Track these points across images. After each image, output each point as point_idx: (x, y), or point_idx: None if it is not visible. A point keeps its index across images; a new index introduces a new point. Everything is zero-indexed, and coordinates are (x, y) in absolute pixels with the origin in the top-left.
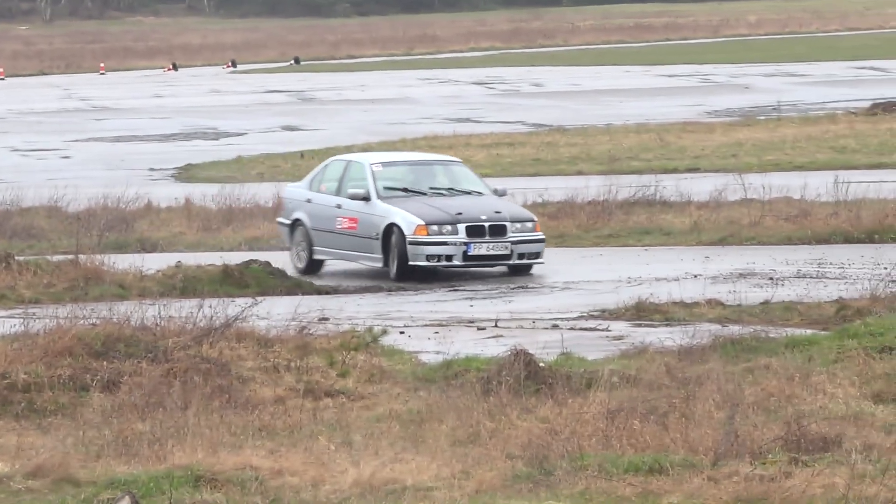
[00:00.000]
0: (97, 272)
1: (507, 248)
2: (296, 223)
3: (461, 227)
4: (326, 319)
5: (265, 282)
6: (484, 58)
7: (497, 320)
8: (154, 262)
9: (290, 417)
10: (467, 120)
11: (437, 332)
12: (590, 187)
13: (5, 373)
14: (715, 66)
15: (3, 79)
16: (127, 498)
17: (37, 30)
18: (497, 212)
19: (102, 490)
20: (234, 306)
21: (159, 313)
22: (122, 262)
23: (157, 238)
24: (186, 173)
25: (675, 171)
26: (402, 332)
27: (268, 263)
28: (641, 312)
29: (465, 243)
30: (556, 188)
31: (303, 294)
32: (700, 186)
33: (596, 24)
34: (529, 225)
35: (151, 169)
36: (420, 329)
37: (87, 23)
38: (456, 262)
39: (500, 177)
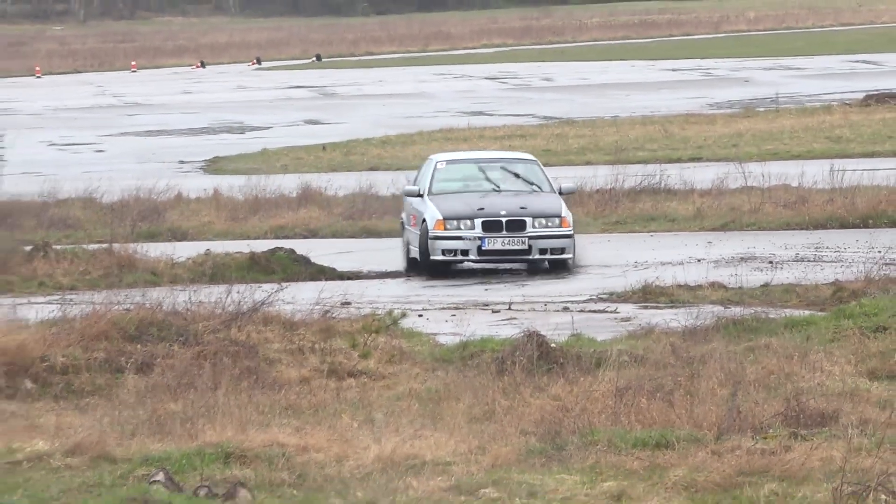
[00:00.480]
0: (131, 260)
1: (524, 243)
2: (402, 222)
3: (478, 222)
4: (349, 303)
5: (290, 268)
6: (496, 54)
7: (511, 304)
8: (184, 251)
9: (314, 397)
10: (481, 113)
11: (453, 315)
12: (598, 176)
13: (44, 356)
14: (716, 60)
15: (39, 77)
16: (161, 474)
17: (71, 30)
18: (522, 207)
19: (137, 466)
20: (261, 292)
21: (190, 299)
22: (154, 250)
23: (187, 227)
24: (214, 165)
25: (678, 160)
26: (420, 315)
27: (292, 251)
28: (648, 295)
29: (480, 238)
30: (566, 177)
31: (326, 280)
32: (703, 175)
33: (602, 21)
34: (555, 221)
35: (181, 161)
36: (437, 312)
37: (118, 23)
38: (472, 257)
39: None
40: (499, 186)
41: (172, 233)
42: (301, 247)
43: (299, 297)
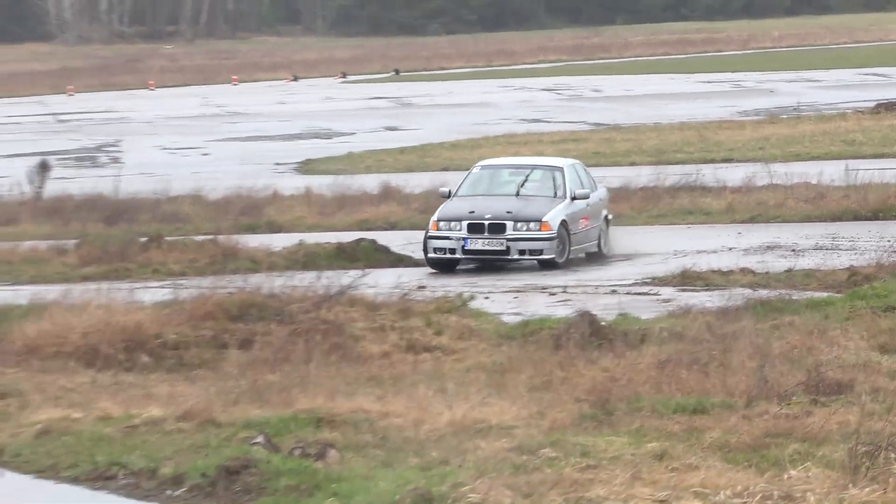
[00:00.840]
0: (233, 250)
1: (502, 244)
2: None
3: (464, 224)
4: (424, 287)
5: (372, 256)
6: (552, 68)
7: (565, 287)
8: (280, 241)
9: (394, 369)
10: (538, 120)
11: (516, 297)
12: (641, 176)
13: (158, 334)
14: (745, 73)
15: (153, 90)
16: (261, 436)
17: (180, 49)
18: (508, 212)
19: (240, 430)
20: (347, 277)
21: (285, 283)
22: (254, 241)
23: (282, 221)
24: (306, 167)
25: (712, 161)
26: (486, 298)
27: (374, 241)
28: (686, 279)
29: (464, 239)
30: (613, 177)
31: (404, 266)
32: (733, 174)
33: (645, 40)
34: (535, 225)
35: (277, 163)
36: (501, 295)
37: (221, 42)
38: (458, 256)
39: None
40: (517, 191)
41: (269, 226)
42: (382, 238)
43: (381, 282)
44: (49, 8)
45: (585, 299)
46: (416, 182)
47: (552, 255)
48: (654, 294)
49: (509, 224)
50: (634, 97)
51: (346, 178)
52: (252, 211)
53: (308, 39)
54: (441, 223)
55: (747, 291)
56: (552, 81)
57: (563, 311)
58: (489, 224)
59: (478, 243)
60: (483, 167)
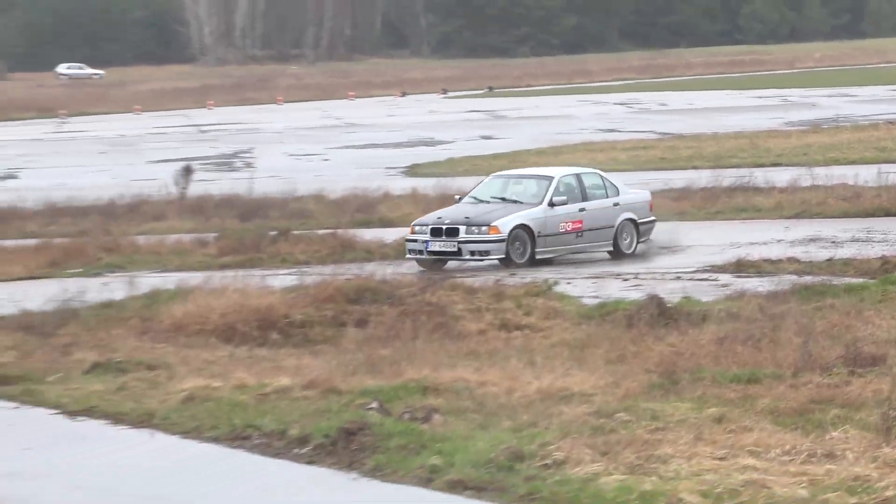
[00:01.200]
0: (350, 242)
1: (455, 246)
2: None
3: (428, 228)
4: (514, 274)
5: None
6: (624, 85)
7: (637, 274)
8: (391, 235)
9: (489, 345)
10: (612, 130)
11: (594, 283)
12: (701, 178)
13: (286, 314)
14: (790, 90)
15: (281, 104)
16: (375, 403)
17: (304, 69)
18: (466, 217)
19: (357, 397)
20: (448, 266)
21: (395, 271)
22: (368, 234)
23: (392, 217)
24: (413, 170)
25: (762, 165)
26: (568, 283)
27: None
28: (740, 267)
29: (426, 241)
30: (678, 179)
31: None
32: (781, 176)
33: (704, 60)
34: (484, 229)
35: (387, 168)
36: (582, 280)
37: (339, 63)
38: (424, 256)
39: (638, 171)
40: (499, 198)
41: (381, 221)
42: None
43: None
44: (192, 35)
45: (654, 284)
46: None
47: (500, 256)
48: (713, 280)
49: (462, 228)
50: (695, 110)
51: (448, 179)
52: (366, 208)
53: (414, 61)
54: (416, 227)
55: (794, 277)
56: (624, 97)
57: (635, 295)
58: (446, 228)
59: (436, 245)
60: (494, 176)
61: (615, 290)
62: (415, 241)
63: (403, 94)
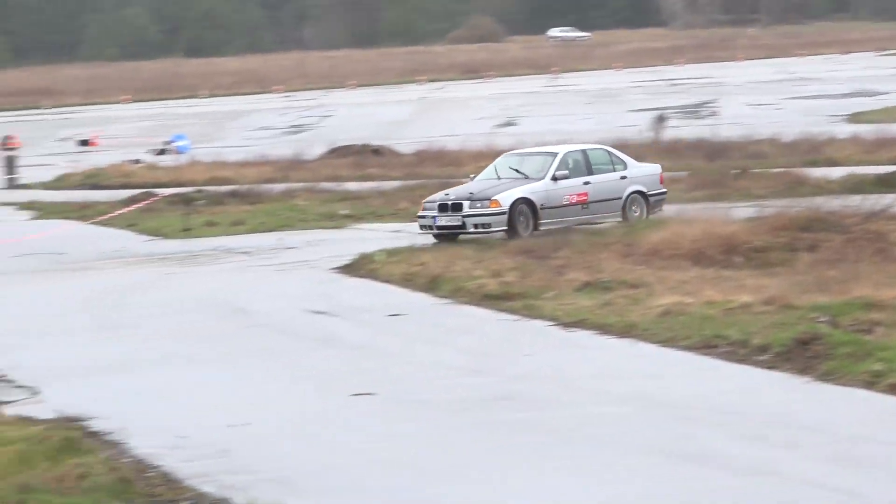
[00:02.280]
0: (800, 179)
1: (459, 220)
2: None
3: (436, 205)
4: None
5: None
6: None
7: None
8: (835, 173)
9: None
10: None
11: None
12: None
13: (747, 241)
14: None
15: (740, 62)
16: (825, 317)
17: (759, 31)
18: (471, 193)
19: (809, 312)
20: (887, 200)
21: (840, 204)
22: (816, 173)
23: (837, 157)
24: (854, 118)
25: None
26: None
27: None
28: None
29: (434, 216)
30: None
31: None
32: None
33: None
34: (486, 203)
35: (832, 115)
36: None
37: (790, 26)
38: (434, 231)
39: None
40: (510, 174)
41: (827, 161)
42: None
43: None
44: (664, 3)
45: None
46: None
47: (502, 228)
48: None
49: (466, 203)
50: None
51: (885, 126)
52: (814, 150)
53: (854, 24)
54: (426, 204)
55: None
56: None
57: None
58: (451, 204)
59: (443, 220)
60: (507, 155)
61: None
62: (424, 216)
63: (845, 53)
